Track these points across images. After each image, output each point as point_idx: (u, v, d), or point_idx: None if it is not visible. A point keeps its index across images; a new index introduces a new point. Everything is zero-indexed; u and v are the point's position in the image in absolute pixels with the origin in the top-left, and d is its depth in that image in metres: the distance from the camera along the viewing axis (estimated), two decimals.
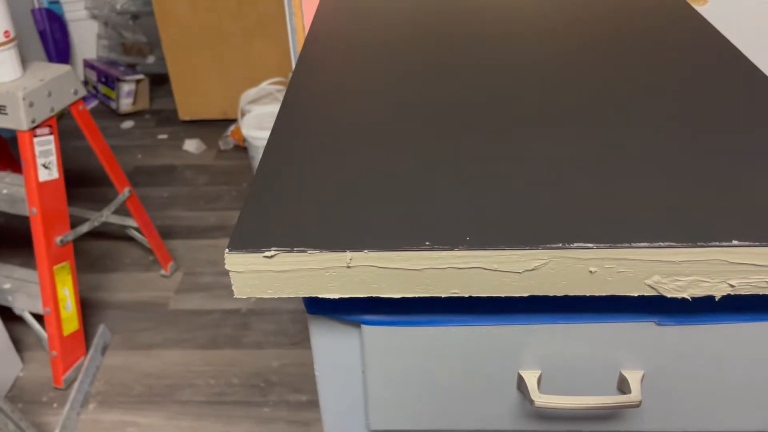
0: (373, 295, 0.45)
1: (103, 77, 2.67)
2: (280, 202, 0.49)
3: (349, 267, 0.44)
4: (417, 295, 0.45)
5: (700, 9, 1.01)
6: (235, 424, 1.38)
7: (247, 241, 0.45)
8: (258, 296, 0.46)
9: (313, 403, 1.42)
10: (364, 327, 0.50)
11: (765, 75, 0.65)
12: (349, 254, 0.44)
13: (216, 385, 1.48)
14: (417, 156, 0.53)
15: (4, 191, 1.47)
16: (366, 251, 0.44)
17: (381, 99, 0.63)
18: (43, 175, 1.36)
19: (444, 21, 0.81)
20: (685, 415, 0.54)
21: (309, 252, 0.44)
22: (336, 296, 0.46)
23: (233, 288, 0.45)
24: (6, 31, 1.28)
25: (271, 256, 0.44)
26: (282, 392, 1.45)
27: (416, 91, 0.64)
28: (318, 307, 0.50)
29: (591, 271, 0.44)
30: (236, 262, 0.44)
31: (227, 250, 0.44)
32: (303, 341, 1.59)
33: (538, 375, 0.52)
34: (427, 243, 0.44)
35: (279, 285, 0.45)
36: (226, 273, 1.82)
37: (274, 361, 1.53)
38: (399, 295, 0.45)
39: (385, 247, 0.44)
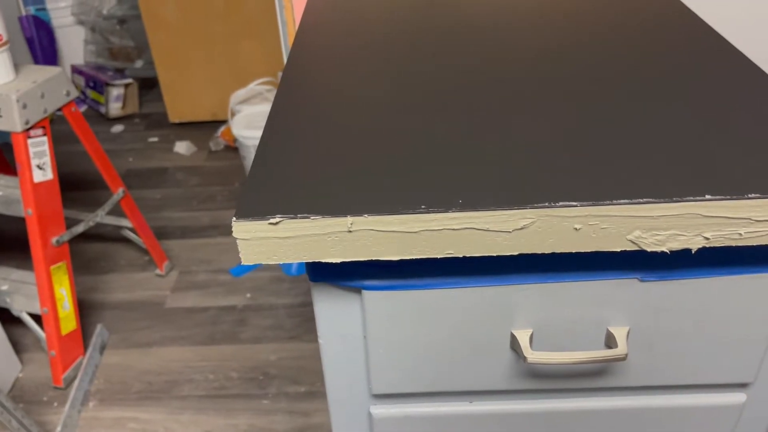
0: (373, 258, 0.48)
1: (92, 82, 2.68)
2: (283, 173, 0.51)
3: (350, 231, 0.47)
4: (414, 257, 0.48)
5: None
6: (235, 416, 1.40)
7: (253, 209, 0.47)
8: (264, 262, 0.48)
9: (312, 394, 1.45)
10: (365, 292, 0.53)
11: (735, 48, 0.68)
12: (350, 219, 0.46)
13: (215, 380, 1.50)
14: (411, 129, 0.56)
15: (0, 193, 1.48)
16: (366, 216, 0.46)
17: (375, 79, 0.66)
18: (38, 176, 1.38)
19: (434, 12, 0.84)
20: (670, 369, 0.57)
21: (312, 218, 0.46)
22: (338, 260, 0.48)
23: (240, 255, 0.48)
24: None
25: (276, 223, 0.47)
26: (281, 384, 1.47)
27: (408, 73, 0.67)
28: (320, 273, 0.53)
29: (576, 228, 0.47)
30: (243, 229, 0.47)
31: (234, 218, 0.47)
32: (300, 335, 1.61)
33: (530, 333, 0.55)
34: (423, 206, 0.47)
35: (283, 251, 0.48)
36: (221, 271, 1.84)
37: (272, 355, 1.55)
38: (398, 257, 0.48)
39: (383, 211, 0.46)
